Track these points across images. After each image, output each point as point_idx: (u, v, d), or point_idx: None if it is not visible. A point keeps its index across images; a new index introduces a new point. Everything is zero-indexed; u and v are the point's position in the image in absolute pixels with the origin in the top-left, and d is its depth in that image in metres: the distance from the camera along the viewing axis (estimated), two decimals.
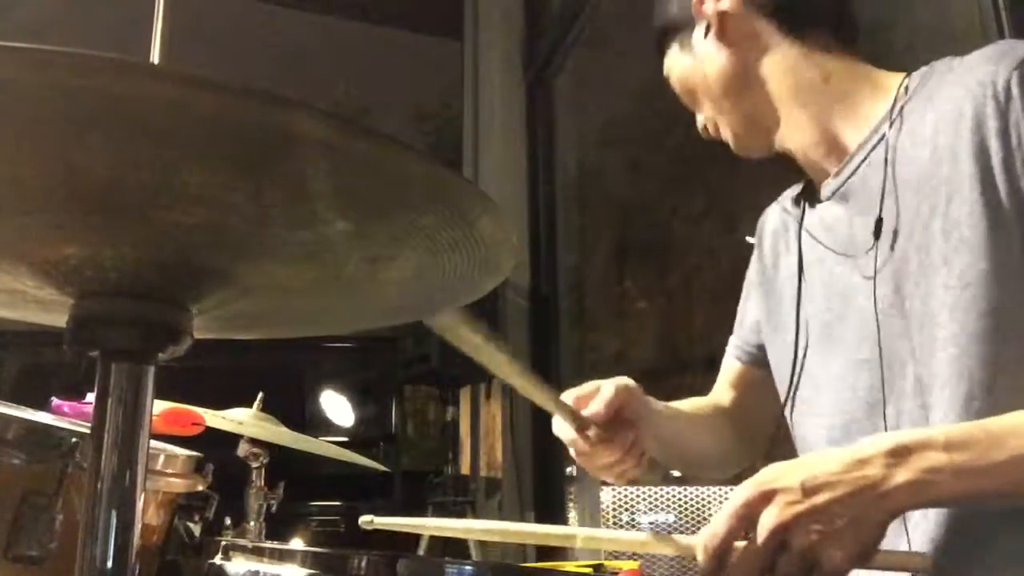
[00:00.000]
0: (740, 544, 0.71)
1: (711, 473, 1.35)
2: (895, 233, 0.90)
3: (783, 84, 0.99)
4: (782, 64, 0.99)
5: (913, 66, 0.95)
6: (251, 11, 3.97)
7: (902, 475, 0.69)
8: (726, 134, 1.07)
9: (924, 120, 0.89)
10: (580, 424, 0.98)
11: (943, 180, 0.86)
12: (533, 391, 0.93)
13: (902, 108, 0.92)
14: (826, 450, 0.77)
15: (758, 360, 1.17)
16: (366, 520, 0.84)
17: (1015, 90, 0.82)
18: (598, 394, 1.00)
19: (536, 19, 3.70)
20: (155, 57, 1.53)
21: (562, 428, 1.00)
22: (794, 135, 1.01)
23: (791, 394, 1.04)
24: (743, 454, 1.21)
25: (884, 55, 1.15)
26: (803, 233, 1.06)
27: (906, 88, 0.93)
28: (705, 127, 1.10)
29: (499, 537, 0.88)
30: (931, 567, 0.72)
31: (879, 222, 0.91)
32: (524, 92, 3.67)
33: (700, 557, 0.71)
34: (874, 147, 0.94)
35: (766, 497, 0.69)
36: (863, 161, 0.95)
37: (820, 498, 0.69)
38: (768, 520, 0.68)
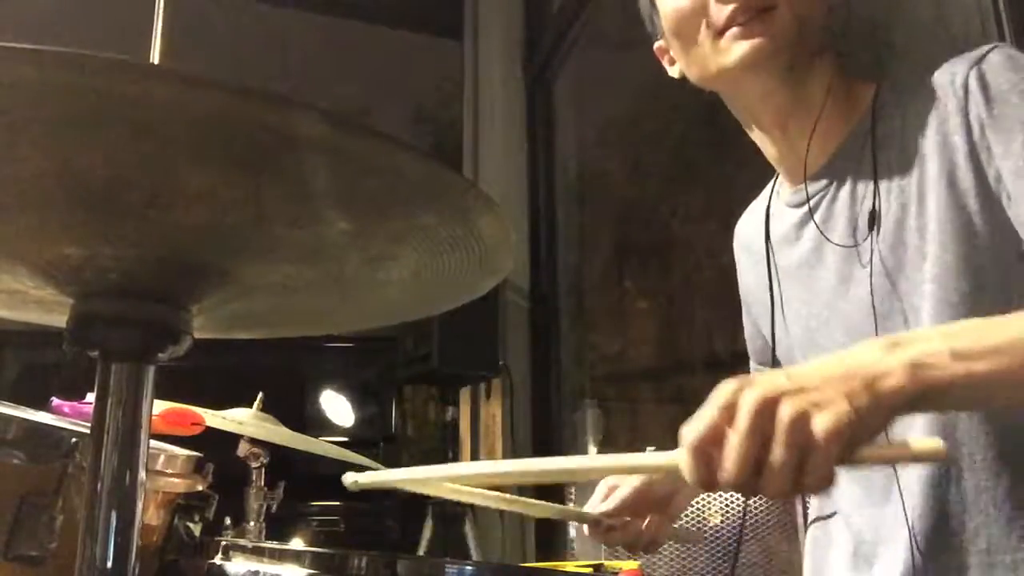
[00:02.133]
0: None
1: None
2: (876, 234, 0.91)
3: (827, 73, 0.97)
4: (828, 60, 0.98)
5: (913, 67, 0.95)
6: (251, 11, 3.97)
7: (897, 358, 0.64)
8: (778, 18, 0.91)
9: (892, 125, 0.92)
10: (587, 520, 1.09)
11: (913, 179, 0.88)
12: (534, 509, 1.05)
13: (877, 116, 0.94)
14: None
15: None
16: (350, 480, 0.78)
17: (973, 85, 0.84)
18: (615, 491, 1.08)
19: (536, 19, 3.70)
20: (155, 57, 1.53)
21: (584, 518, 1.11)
22: (793, 124, 0.99)
23: None
24: None
25: (884, 55, 1.15)
26: (771, 243, 1.07)
27: (880, 97, 0.95)
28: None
29: (493, 480, 0.90)
30: (944, 455, 0.63)
31: (873, 213, 0.91)
32: (524, 92, 3.67)
33: (685, 461, 0.62)
34: (851, 152, 0.95)
35: (746, 383, 0.62)
36: (844, 166, 0.96)
37: (808, 379, 0.62)
38: (751, 397, 0.60)
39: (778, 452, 0.59)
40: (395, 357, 3.48)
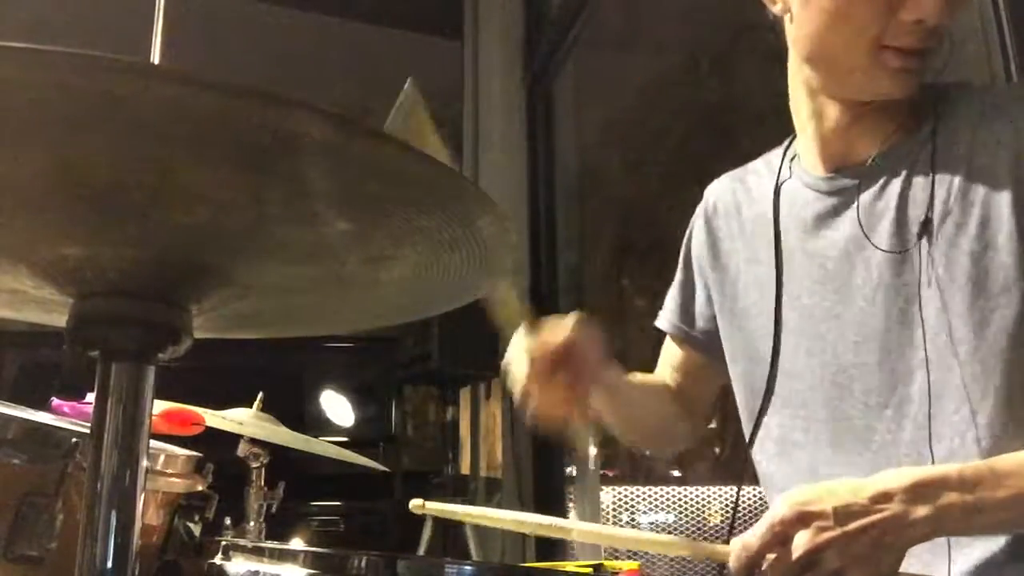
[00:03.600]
0: (770, 556, 0.76)
1: (653, 446, 1.33)
2: (921, 243, 0.90)
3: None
4: None
5: (984, 81, 0.94)
6: (251, 11, 3.97)
7: (921, 511, 0.75)
8: (932, 57, 0.91)
9: (955, 139, 0.90)
10: (537, 339, 0.98)
11: (976, 201, 0.86)
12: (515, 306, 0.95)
13: (939, 123, 0.92)
14: (848, 480, 0.79)
15: (701, 345, 1.17)
16: (417, 504, 0.88)
17: None
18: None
19: (536, 19, 3.70)
20: (155, 57, 1.53)
21: (517, 352, 1.01)
22: (846, 112, 0.97)
23: (768, 390, 1.03)
24: (687, 433, 1.24)
25: None
26: (782, 223, 1.04)
27: (941, 102, 0.93)
28: (935, 29, 0.88)
29: (549, 532, 0.89)
30: None
31: (927, 222, 0.89)
32: (524, 92, 3.67)
33: (732, 565, 0.76)
34: (910, 153, 0.93)
35: (802, 519, 0.74)
36: (896, 165, 0.94)
37: (851, 527, 0.74)
38: (802, 541, 0.73)
39: None
40: (395, 357, 3.48)
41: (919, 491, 0.76)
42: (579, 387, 1.01)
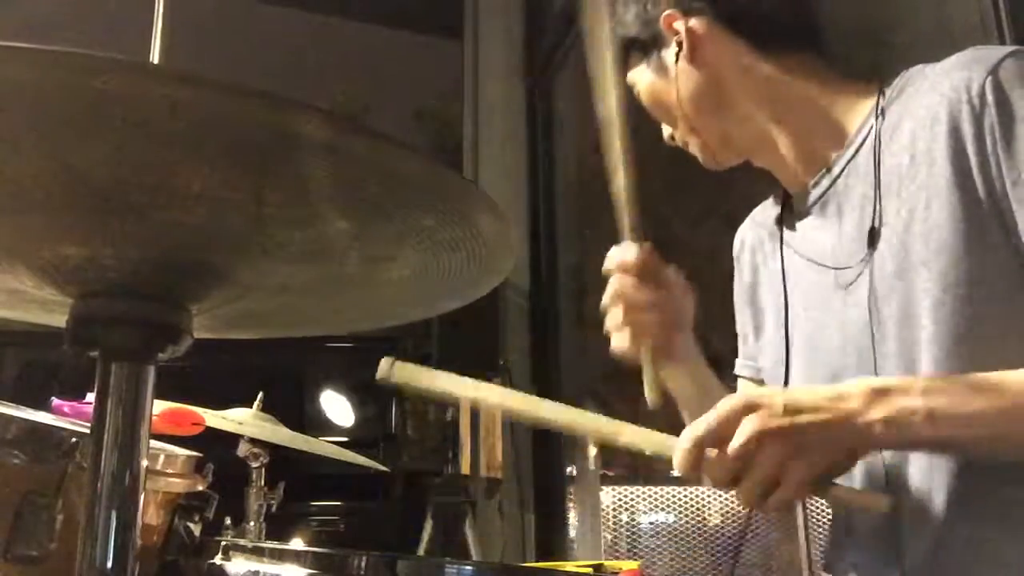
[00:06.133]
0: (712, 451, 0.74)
1: None
2: (876, 240, 0.90)
3: (760, 102, 0.98)
4: (758, 82, 0.98)
5: (917, 67, 0.95)
6: (251, 11, 3.98)
7: (879, 411, 0.73)
8: (696, 149, 1.06)
9: (901, 127, 0.90)
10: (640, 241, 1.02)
11: (921, 184, 0.86)
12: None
13: (881, 117, 0.92)
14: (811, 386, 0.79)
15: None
16: (385, 367, 0.81)
17: (989, 96, 0.82)
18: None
19: (536, 19, 3.70)
20: (155, 57, 1.53)
21: (625, 250, 1.03)
22: (771, 151, 1.00)
23: None
24: None
25: (885, 58, 1.15)
26: (784, 247, 1.05)
27: (883, 98, 0.94)
28: (672, 137, 1.10)
29: (508, 408, 0.88)
30: (891, 507, 0.75)
31: (872, 231, 0.90)
32: (524, 92, 3.67)
33: (677, 454, 0.73)
34: (853, 156, 0.94)
35: (750, 408, 0.73)
36: (843, 171, 0.95)
37: (799, 418, 0.72)
38: (748, 427, 0.71)
39: (754, 476, 0.71)
40: (395, 357, 3.48)
41: (878, 394, 0.74)
42: (663, 326, 1.01)
